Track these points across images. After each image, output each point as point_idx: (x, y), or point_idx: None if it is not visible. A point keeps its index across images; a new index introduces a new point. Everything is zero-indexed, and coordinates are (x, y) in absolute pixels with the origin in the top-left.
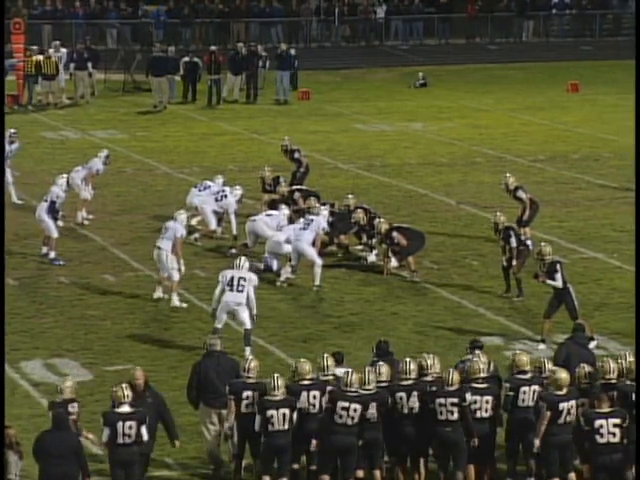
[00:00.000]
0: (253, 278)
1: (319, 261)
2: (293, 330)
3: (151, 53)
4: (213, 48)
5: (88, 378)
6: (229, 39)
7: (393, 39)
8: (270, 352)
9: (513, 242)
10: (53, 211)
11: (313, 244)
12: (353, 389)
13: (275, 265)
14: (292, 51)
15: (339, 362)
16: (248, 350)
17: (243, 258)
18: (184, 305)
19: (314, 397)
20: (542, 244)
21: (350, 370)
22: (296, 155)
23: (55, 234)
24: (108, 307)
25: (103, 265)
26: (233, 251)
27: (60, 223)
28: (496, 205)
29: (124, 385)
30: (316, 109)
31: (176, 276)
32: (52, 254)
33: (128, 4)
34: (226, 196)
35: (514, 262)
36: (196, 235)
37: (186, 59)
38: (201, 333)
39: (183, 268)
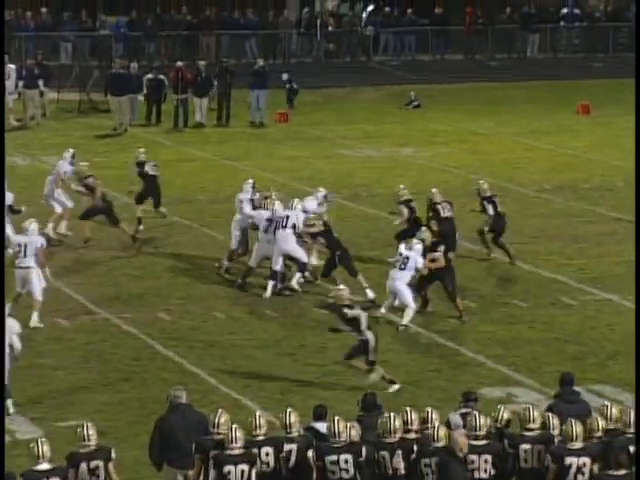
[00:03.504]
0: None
1: (413, 305)
2: (269, 380)
3: (110, 69)
4: (180, 64)
5: (38, 435)
6: (198, 54)
7: (382, 54)
8: (243, 405)
9: (490, 210)
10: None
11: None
12: (341, 439)
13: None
14: (285, 75)
15: (321, 417)
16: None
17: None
18: (41, 325)
19: (267, 454)
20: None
21: (336, 418)
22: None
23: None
24: (61, 355)
25: (55, 307)
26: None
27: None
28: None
29: (41, 440)
30: (295, 132)
31: (41, 295)
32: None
33: (85, 15)
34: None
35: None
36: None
37: (150, 76)
38: (165, 384)
39: (50, 278)
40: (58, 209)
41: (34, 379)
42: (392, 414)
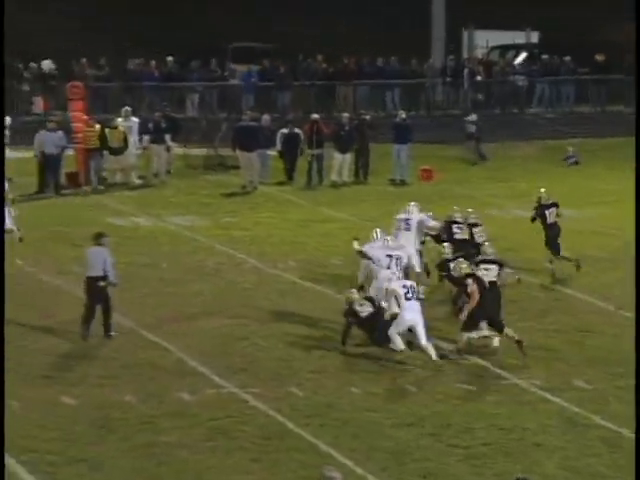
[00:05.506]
0: None
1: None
2: (410, 463)
3: (240, 122)
4: (315, 116)
5: None
6: (334, 105)
7: (537, 106)
8: None
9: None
10: None
11: None
12: None
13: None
14: (474, 116)
15: None
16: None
17: None
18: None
19: None
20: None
21: None
22: None
23: None
24: (184, 433)
25: (178, 380)
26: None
27: None
28: None
29: None
30: (441, 191)
31: None
32: None
33: (214, 64)
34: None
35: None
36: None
37: (284, 131)
38: (298, 466)
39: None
40: None
41: (154, 458)
42: None
